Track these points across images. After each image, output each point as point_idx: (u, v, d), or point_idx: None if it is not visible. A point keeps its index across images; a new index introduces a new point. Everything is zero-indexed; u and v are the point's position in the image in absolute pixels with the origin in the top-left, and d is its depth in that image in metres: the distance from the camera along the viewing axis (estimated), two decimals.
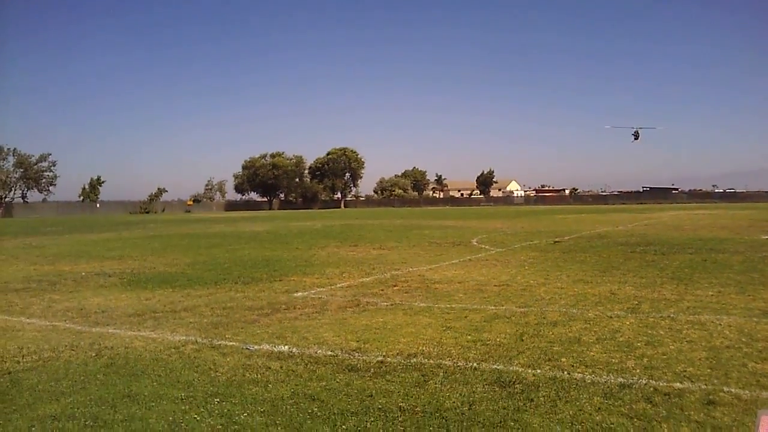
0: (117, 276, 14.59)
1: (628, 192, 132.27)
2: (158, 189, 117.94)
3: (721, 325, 8.00)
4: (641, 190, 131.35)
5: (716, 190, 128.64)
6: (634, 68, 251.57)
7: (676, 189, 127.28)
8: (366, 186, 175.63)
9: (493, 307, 9.51)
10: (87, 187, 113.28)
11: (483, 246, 20.82)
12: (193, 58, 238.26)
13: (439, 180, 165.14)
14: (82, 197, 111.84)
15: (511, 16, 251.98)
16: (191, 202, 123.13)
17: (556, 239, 22.20)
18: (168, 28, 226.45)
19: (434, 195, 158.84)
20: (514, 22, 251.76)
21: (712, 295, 10.27)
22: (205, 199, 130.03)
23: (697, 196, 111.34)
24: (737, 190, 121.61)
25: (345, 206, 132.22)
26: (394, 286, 12.05)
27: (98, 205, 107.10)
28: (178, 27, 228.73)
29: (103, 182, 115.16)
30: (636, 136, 59.12)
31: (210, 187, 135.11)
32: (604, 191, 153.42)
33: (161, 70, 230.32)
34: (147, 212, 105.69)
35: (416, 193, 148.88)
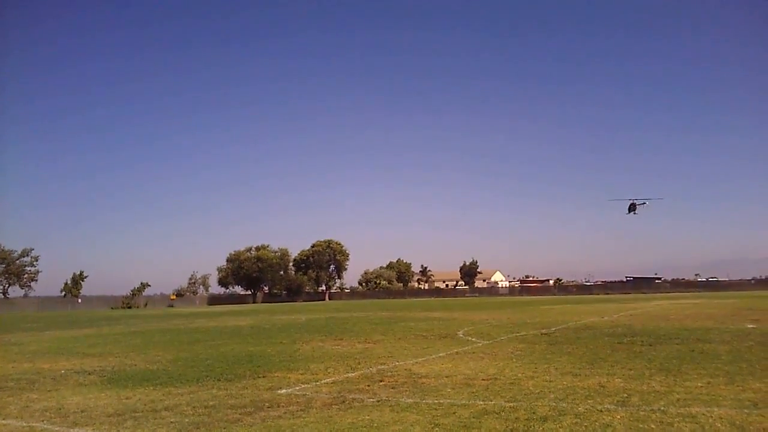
0: (97, 374, 14.27)
1: (611, 282, 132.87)
2: (141, 284, 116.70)
3: (712, 417, 7.91)
4: (625, 280, 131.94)
5: (699, 279, 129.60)
6: (616, 162, 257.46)
7: (659, 278, 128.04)
8: (351, 278, 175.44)
9: (481, 402, 9.35)
10: (69, 282, 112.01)
11: (470, 338, 20.64)
12: (177, 151, 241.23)
13: (423, 271, 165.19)
14: (64, 292, 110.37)
15: (487, 104, 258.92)
16: (174, 297, 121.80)
17: (543, 330, 22.04)
18: (150, 120, 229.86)
19: (419, 286, 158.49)
20: (490, 113, 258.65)
21: (701, 386, 10.19)
22: (188, 293, 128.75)
23: (681, 286, 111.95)
24: (720, 279, 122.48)
25: (330, 298, 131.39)
26: (381, 381, 11.86)
27: (80, 300, 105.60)
28: (160, 118, 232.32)
29: (85, 277, 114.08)
30: (631, 208, 57.35)
31: (193, 280, 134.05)
32: (588, 281, 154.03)
33: (144, 165, 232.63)
34: (129, 307, 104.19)
35: (401, 285, 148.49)
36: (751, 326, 22.12)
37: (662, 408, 8.56)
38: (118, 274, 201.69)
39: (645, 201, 59.86)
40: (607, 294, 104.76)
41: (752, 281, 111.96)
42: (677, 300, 58.18)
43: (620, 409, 8.60)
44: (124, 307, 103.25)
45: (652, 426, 7.55)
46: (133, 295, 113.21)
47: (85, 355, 18.93)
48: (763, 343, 16.48)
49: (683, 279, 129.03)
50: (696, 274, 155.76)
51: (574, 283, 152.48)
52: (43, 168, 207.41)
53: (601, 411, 8.48)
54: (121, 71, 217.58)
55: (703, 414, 8.10)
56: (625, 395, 9.59)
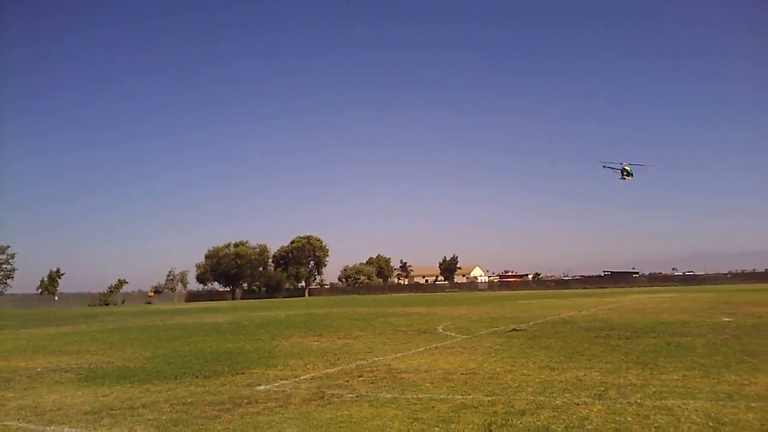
0: (74, 371, 14.14)
1: (589, 276, 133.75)
2: (118, 281, 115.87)
3: (687, 409, 7.99)
4: (602, 275, 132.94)
5: (676, 273, 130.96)
6: (595, 154, 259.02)
7: (637, 273, 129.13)
8: (330, 274, 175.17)
9: (460, 397, 9.39)
10: (46, 279, 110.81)
11: (449, 333, 20.70)
12: (154, 148, 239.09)
13: (403, 267, 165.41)
14: (40, 290, 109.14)
15: (468, 99, 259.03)
16: (152, 294, 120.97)
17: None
18: (127, 118, 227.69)
19: (399, 282, 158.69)
20: (471, 107, 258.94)
21: (677, 379, 10.30)
22: (166, 290, 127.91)
23: (658, 280, 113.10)
24: (696, 273, 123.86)
25: (309, 295, 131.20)
26: (360, 376, 11.85)
27: (57, 298, 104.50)
28: (137, 116, 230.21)
29: (62, 274, 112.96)
30: (622, 173, 53.73)
31: (171, 277, 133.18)
32: (567, 276, 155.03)
33: (121, 162, 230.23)
34: (106, 304, 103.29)
35: (381, 280, 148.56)
36: (727, 320, 22.39)
37: (639, 401, 8.64)
38: (96, 272, 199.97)
39: (640, 165, 55.93)
40: (585, 288, 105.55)
41: (728, 275, 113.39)
42: (654, 294, 58.79)
43: (597, 402, 8.67)
44: (101, 305, 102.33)
45: (629, 419, 7.62)
46: (111, 292, 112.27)
47: (62, 352, 18.75)
48: (739, 336, 16.69)
49: (660, 273, 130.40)
50: (673, 268, 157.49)
51: (553, 277, 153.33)
52: (19, 165, 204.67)
53: (579, 404, 8.55)
54: (97, 70, 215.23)
55: (679, 406, 8.19)
56: (602, 388, 9.67)
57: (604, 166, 54.47)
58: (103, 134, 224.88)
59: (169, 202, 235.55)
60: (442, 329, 22.48)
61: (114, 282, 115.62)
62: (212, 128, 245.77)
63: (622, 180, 51.89)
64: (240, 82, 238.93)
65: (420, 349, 16.07)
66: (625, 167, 52.02)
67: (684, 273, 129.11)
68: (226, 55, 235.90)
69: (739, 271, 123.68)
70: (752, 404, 8.25)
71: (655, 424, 7.29)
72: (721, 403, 8.37)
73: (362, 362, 13.93)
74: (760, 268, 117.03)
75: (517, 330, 20.80)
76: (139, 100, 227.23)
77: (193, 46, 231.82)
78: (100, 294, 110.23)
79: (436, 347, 16.51)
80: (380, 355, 15.20)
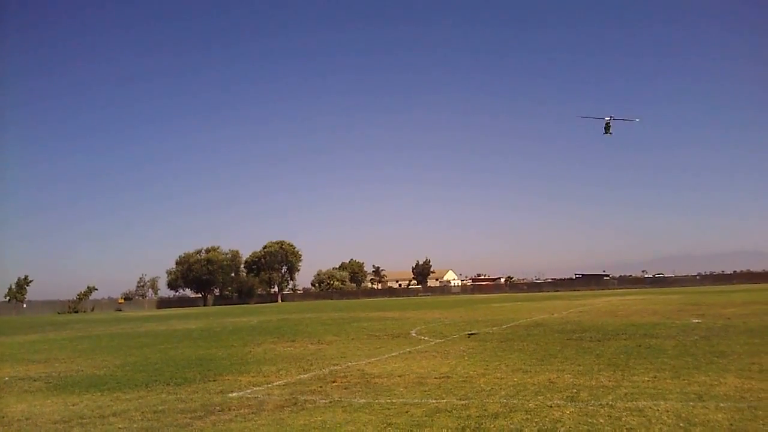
0: (42, 380, 13.91)
1: (561, 279, 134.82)
2: (88, 287, 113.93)
3: (658, 410, 8.07)
4: (574, 277, 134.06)
5: (646, 276, 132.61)
6: (566, 156, 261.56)
7: (608, 275, 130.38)
8: (303, 279, 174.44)
9: (434, 401, 9.38)
10: (14, 286, 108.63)
11: (422, 337, 20.71)
12: (123, 155, 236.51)
13: (377, 271, 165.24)
14: (8, 297, 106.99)
15: (439, 104, 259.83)
16: (122, 301, 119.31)
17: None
18: (98, 129, 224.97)
19: (373, 286, 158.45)
20: (442, 112, 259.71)
21: (648, 380, 10.40)
22: (136, 297, 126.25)
23: (628, 282, 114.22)
24: (666, 275, 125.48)
25: (282, 300, 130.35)
26: (333, 382, 11.80)
27: (25, 306, 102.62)
28: (108, 126, 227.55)
29: (30, 282, 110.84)
30: (607, 128, 50.20)
31: (142, 284, 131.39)
32: (539, 279, 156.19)
33: (89, 167, 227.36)
34: (76, 312, 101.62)
35: (354, 285, 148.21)
36: (696, 321, 22.69)
37: (610, 402, 8.70)
38: (65, 279, 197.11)
39: (624, 119, 52.22)
40: (557, 291, 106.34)
41: (698, 277, 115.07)
42: (625, 296, 59.37)
43: (570, 404, 8.71)
44: (70, 312, 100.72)
45: (601, 420, 7.67)
46: (80, 299, 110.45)
47: (30, 361, 18.43)
48: (708, 337, 16.92)
49: (631, 275, 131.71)
50: (643, 271, 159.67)
51: (525, 280, 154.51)
52: None
53: (551, 407, 8.58)
54: (65, 80, 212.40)
55: (650, 407, 8.27)
56: (575, 391, 9.72)
57: (585, 118, 50.68)
58: (71, 143, 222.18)
59: (139, 209, 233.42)
60: (416, 333, 22.49)
61: (83, 289, 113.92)
62: (182, 136, 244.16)
63: (606, 135, 48.93)
64: (211, 91, 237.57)
65: (393, 354, 16.05)
66: (608, 122, 48.98)
67: (654, 275, 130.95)
68: (198, 65, 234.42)
69: (708, 273, 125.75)
70: (722, 404, 8.35)
71: (627, 426, 7.35)
72: (691, 403, 8.46)
73: (335, 367, 13.87)
74: (728, 270, 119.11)
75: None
76: (110, 110, 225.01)
77: (166, 57, 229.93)
78: (69, 301, 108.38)
79: (409, 351, 16.49)
80: (353, 360, 15.15)
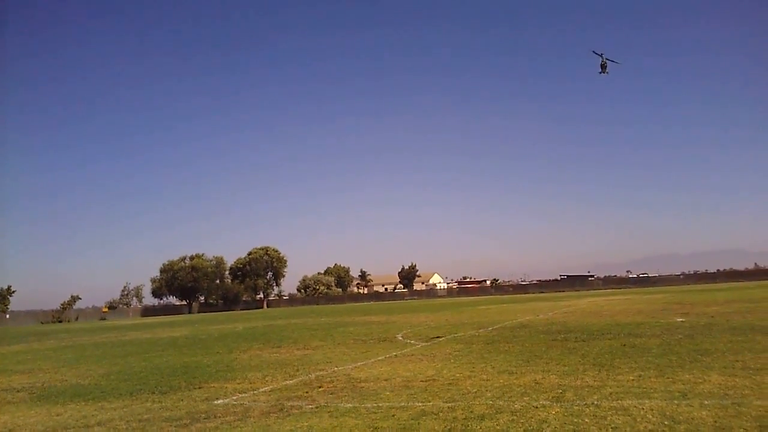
0: (26, 390, 13.78)
1: (546, 281, 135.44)
2: (72, 297, 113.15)
3: (643, 409, 8.11)
4: (559, 278, 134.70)
5: (630, 276, 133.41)
6: (549, 158, 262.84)
7: (592, 276, 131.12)
8: (289, 285, 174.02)
9: (420, 404, 9.37)
10: None
11: (408, 341, 20.70)
12: (106, 163, 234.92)
13: (363, 276, 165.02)
14: None
15: (424, 108, 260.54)
16: (106, 309, 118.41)
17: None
18: (80, 139, 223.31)
19: (359, 291, 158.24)
20: (426, 116, 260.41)
21: (633, 379, 10.45)
22: (121, 306, 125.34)
23: (613, 282, 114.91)
24: (650, 275, 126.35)
25: (268, 306, 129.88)
26: (319, 387, 11.76)
27: (8, 316, 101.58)
28: (90, 135, 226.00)
29: (13, 292, 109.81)
30: (603, 68, 48.66)
31: (126, 292, 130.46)
32: (524, 280, 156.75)
33: (72, 174, 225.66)
34: (60, 321, 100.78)
35: (340, 290, 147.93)
36: (680, 320, 22.84)
37: (596, 402, 8.74)
38: (48, 288, 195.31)
39: (615, 61, 51.29)
40: (543, 292, 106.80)
41: (681, 276, 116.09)
42: (609, 296, 59.71)
43: (555, 404, 8.74)
44: (54, 322, 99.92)
45: (586, 420, 7.70)
46: (64, 308, 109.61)
47: (14, 372, 18.26)
48: (692, 336, 17.02)
49: (615, 276, 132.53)
50: (627, 271, 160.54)
51: (511, 282, 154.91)
52: None
53: (537, 407, 8.61)
54: (47, 83, 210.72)
55: (635, 406, 8.31)
56: (560, 391, 9.76)
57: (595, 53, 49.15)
58: (54, 154, 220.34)
59: (122, 216, 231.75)
60: (402, 337, 22.47)
61: (67, 298, 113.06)
62: (165, 144, 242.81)
63: (601, 74, 47.45)
64: (194, 100, 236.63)
65: (380, 358, 16.03)
66: (604, 61, 47.62)
67: (638, 275, 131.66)
68: (181, 75, 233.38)
69: (692, 272, 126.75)
70: (706, 402, 8.41)
71: (612, 425, 7.38)
72: (675, 402, 8.51)
73: (322, 373, 13.83)
74: (712, 269, 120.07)
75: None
76: (93, 121, 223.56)
77: (150, 68, 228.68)
78: (52, 311, 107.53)
79: (395, 355, 16.48)
80: (340, 365, 15.12)
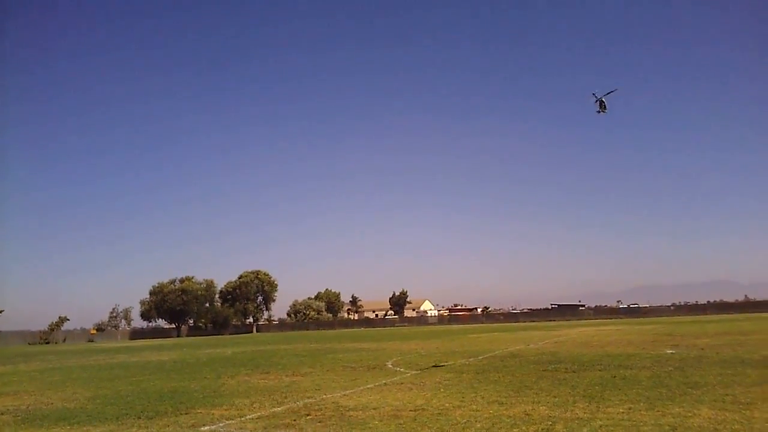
0: (10, 413, 13.61)
1: (537, 310, 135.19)
2: (59, 318, 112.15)
3: None
4: (550, 308, 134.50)
5: (621, 306, 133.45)
6: (542, 188, 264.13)
7: (583, 305, 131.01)
8: (279, 309, 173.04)
9: None
10: None
11: (398, 369, 20.58)
12: (96, 184, 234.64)
13: (353, 301, 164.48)
14: None
15: (416, 133, 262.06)
16: (94, 331, 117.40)
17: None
18: (70, 158, 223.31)
19: (349, 316, 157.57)
20: (418, 141, 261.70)
21: (623, 412, 10.40)
22: (109, 328, 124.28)
23: (603, 312, 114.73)
24: (641, 305, 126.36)
25: (257, 331, 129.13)
26: (307, 415, 11.65)
27: None
28: (80, 155, 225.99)
29: (1, 312, 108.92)
30: (602, 106, 44.60)
31: (115, 314, 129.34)
32: (515, 309, 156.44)
33: (61, 196, 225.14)
34: (47, 342, 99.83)
35: (330, 316, 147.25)
36: (671, 352, 22.81)
37: None
38: (36, 308, 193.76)
39: (612, 90, 48.51)
40: (533, 321, 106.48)
41: (671, 307, 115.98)
42: (600, 327, 59.62)
43: None
44: (41, 343, 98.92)
45: None
46: (51, 330, 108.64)
47: None
48: (682, 368, 16.99)
49: (606, 306, 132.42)
50: (618, 301, 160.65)
51: (502, 311, 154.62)
52: None
53: None
54: (31, 99, 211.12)
55: None
56: (550, 423, 9.69)
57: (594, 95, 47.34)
58: (44, 173, 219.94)
59: (112, 238, 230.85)
60: (392, 365, 22.34)
61: (55, 319, 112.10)
62: (157, 167, 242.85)
63: (599, 113, 44.73)
64: (184, 121, 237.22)
65: (369, 386, 15.91)
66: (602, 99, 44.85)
67: (628, 305, 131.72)
68: (174, 93, 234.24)
69: (682, 303, 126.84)
70: None
71: None
72: None
73: (310, 400, 13.71)
74: (702, 300, 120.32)
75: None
76: (83, 139, 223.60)
77: (142, 84, 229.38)
78: (40, 332, 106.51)
79: (385, 383, 16.36)
80: (328, 392, 14.99)
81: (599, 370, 17.17)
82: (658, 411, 10.37)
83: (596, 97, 46.57)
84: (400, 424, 10.25)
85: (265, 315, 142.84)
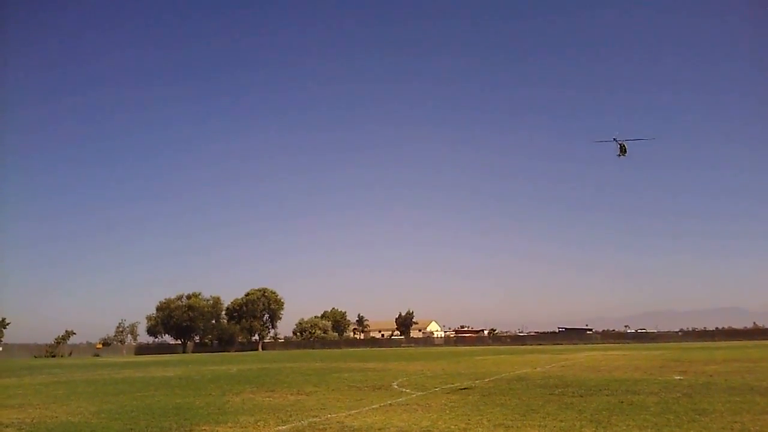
0: (15, 426, 13.65)
1: (544, 333, 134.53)
2: (66, 331, 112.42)
3: None
4: (557, 331, 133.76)
5: (629, 331, 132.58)
6: (550, 211, 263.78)
7: (590, 330, 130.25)
8: (285, 327, 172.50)
9: None
10: None
11: (404, 389, 20.48)
12: (103, 197, 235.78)
13: (360, 321, 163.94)
14: None
15: (421, 151, 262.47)
16: (100, 346, 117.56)
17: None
18: (73, 170, 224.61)
19: (355, 336, 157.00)
20: (424, 159, 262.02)
21: None
22: (115, 342, 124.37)
23: (611, 337, 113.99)
24: (648, 331, 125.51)
25: (263, 349, 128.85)
26: None
27: (1, 349, 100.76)
28: (83, 167, 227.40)
29: (7, 324, 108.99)
30: (623, 150, 43.47)
31: (121, 329, 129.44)
32: (522, 332, 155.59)
33: (69, 209, 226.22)
34: (53, 356, 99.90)
35: (336, 334, 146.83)
36: (678, 378, 22.63)
37: None
38: (43, 322, 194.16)
39: (637, 139, 47.00)
40: (540, 345, 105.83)
41: (680, 333, 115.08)
42: (607, 351, 59.20)
43: None
44: (47, 356, 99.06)
45: None
46: (58, 343, 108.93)
47: (4, 406, 18.08)
48: (690, 394, 16.85)
49: (613, 330, 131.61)
50: (625, 326, 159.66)
51: (508, 333, 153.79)
52: None
53: None
54: (23, 108, 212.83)
55: None
56: None
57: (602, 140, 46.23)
58: (50, 185, 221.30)
59: (120, 252, 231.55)
60: (397, 385, 22.25)
61: (61, 333, 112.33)
62: (165, 181, 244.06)
63: (619, 156, 43.90)
64: (188, 134, 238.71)
65: (374, 406, 15.84)
66: (623, 144, 44.09)
67: (636, 330, 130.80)
68: (177, 104, 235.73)
69: (690, 329, 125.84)
70: None
71: None
72: None
73: (315, 419, 13.66)
74: (711, 327, 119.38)
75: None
76: (89, 150, 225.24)
77: (143, 92, 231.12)
78: (46, 345, 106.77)
79: (390, 404, 16.29)
80: (333, 411, 14.94)
81: (606, 395, 17.04)
82: None
83: (617, 141, 45.85)
84: None
85: (271, 333, 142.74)
